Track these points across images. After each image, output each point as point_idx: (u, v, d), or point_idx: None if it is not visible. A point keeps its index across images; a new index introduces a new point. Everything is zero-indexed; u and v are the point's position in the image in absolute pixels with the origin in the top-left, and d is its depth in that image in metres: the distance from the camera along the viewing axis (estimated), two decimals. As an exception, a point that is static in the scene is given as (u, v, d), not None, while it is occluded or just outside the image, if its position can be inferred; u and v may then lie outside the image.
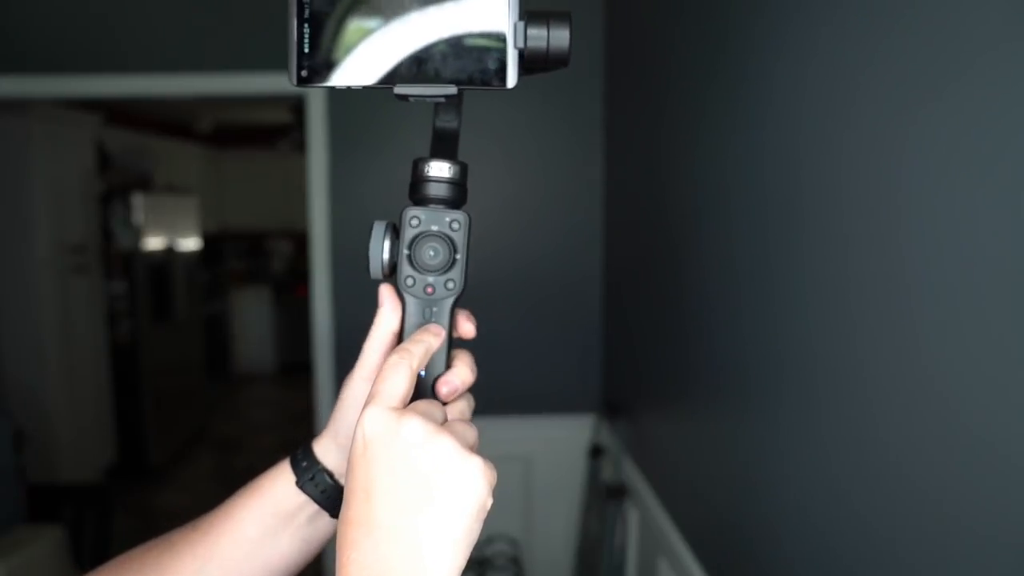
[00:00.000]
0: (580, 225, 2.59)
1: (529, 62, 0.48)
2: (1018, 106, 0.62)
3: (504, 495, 2.68)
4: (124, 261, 4.26)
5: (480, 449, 0.57)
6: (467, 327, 0.52)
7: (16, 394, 3.59)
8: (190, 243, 5.04)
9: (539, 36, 0.48)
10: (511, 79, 0.48)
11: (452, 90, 0.48)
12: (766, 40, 1.16)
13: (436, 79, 0.48)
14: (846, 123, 0.92)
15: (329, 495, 0.53)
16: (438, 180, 0.50)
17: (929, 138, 0.75)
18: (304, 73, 0.49)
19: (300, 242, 6.60)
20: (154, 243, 4.47)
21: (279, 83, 2.53)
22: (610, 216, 2.49)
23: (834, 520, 0.95)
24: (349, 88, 0.49)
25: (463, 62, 0.47)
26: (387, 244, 0.51)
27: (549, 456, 2.63)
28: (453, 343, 0.52)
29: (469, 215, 0.50)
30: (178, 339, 4.80)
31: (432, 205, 0.50)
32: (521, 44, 0.48)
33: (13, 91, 2.55)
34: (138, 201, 4.27)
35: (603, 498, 2.23)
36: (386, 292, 0.52)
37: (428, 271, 0.50)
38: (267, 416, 5.64)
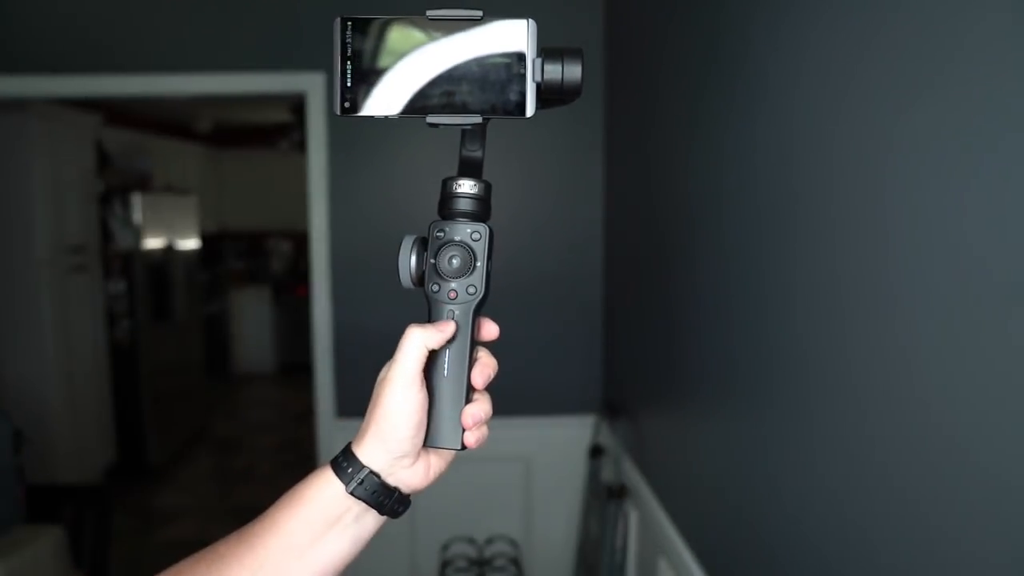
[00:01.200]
0: (580, 225, 2.59)
1: (546, 94, 0.54)
2: (1013, 103, 0.62)
3: (504, 495, 2.69)
4: (123, 261, 4.26)
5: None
6: (490, 327, 0.59)
7: (16, 394, 3.59)
8: (190, 243, 5.04)
9: (555, 71, 0.54)
10: (530, 109, 0.54)
11: (478, 119, 0.54)
12: (762, 41, 1.16)
13: (464, 110, 0.54)
14: (842, 123, 0.92)
15: (379, 495, 0.56)
16: (462, 196, 0.56)
17: (922, 139, 0.75)
18: (347, 104, 0.55)
19: (300, 242, 6.60)
20: (153, 243, 4.47)
21: (279, 83, 2.53)
22: (610, 217, 2.49)
23: (832, 520, 0.95)
24: (387, 118, 0.55)
25: (487, 95, 0.54)
26: (414, 255, 0.57)
27: (549, 456, 2.63)
28: (475, 345, 0.57)
29: (490, 227, 0.56)
30: (178, 339, 4.80)
31: (457, 218, 0.56)
32: (539, 78, 0.54)
33: (13, 91, 2.55)
34: (137, 201, 4.27)
35: (603, 498, 2.23)
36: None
37: (450, 277, 0.56)
38: (267, 416, 5.64)
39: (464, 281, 0.56)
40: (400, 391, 0.55)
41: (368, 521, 0.57)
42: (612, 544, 2.09)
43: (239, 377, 6.46)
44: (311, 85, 2.52)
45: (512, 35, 0.54)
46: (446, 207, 0.56)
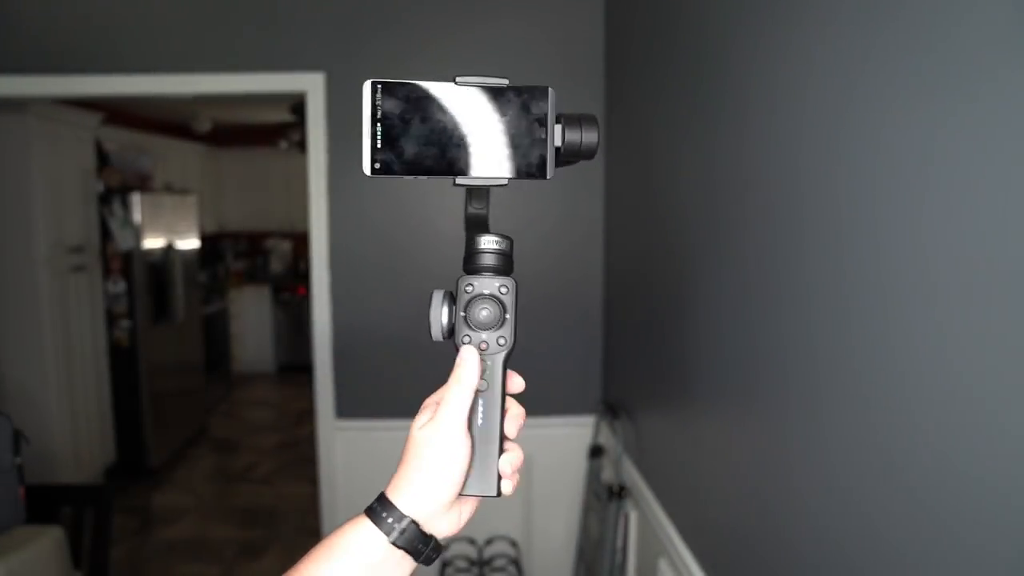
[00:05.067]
0: (581, 226, 2.59)
1: (564, 156, 0.57)
2: (1016, 103, 0.62)
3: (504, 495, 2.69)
4: (123, 261, 4.26)
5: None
6: (517, 381, 0.61)
7: (15, 394, 3.59)
8: (189, 243, 5.03)
9: (574, 136, 0.57)
10: (550, 172, 0.57)
11: (504, 181, 0.57)
12: (765, 41, 1.16)
13: (490, 172, 0.57)
14: (847, 125, 0.92)
15: (417, 543, 0.57)
16: (489, 252, 0.58)
17: (922, 140, 0.75)
18: (377, 166, 0.56)
19: (300, 242, 6.60)
20: (153, 243, 4.47)
21: (279, 83, 2.53)
22: (611, 217, 2.49)
23: (831, 519, 0.95)
24: (416, 178, 0.57)
25: (513, 159, 0.56)
26: (445, 309, 0.58)
27: (549, 456, 2.63)
28: (505, 395, 0.59)
29: (516, 281, 0.59)
30: (177, 339, 4.79)
31: (483, 273, 0.58)
32: (559, 143, 0.57)
33: (13, 91, 2.54)
34: (137, 201, 4.26)
35: (603, 498, 2.23)
36: (472, 355, 0.58)
37: (481, 328, 0.58)
38: (267, 416, 5.64)
39: (494, 333, 0.58)
40: (455, 439, 0.56)
41: (404, 569, 0.57)
42: (612, 544, 2.09)
43: (239, 377, 6.45)
44: (311, 85, 2.52)
45: (535, 101, 0.56)
46: (473, 262, 0.58)
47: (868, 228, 0.87)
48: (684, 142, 1.61)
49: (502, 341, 0.58)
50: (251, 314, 6.67)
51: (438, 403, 0.58)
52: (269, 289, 6.68)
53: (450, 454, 0.56)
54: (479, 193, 0.59)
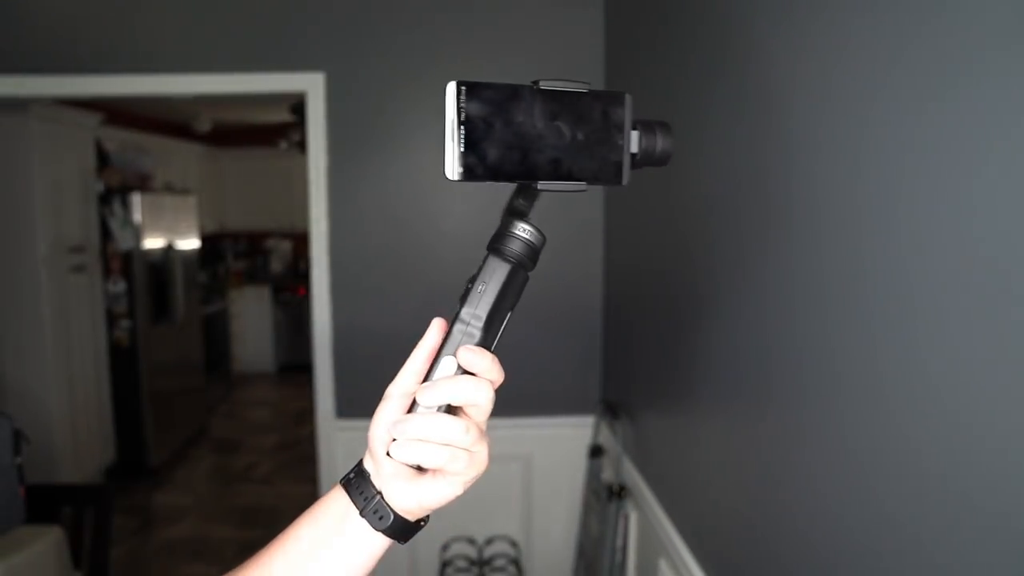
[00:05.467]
0: (581, 226, 2.59)
1: (639, 163, 0.58)
2: (1017, 102, 0.62)
3: (504, 495, 2.69)
4: (123, 261, 4.26)
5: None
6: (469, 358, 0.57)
7: (16, 394, 3.59)
8: (189, 243, 5.04)
9: (650, 143, 0.57)
10: (625, 178, 0.57)
11: (583, 187, 0.57)
12: (765, 42, 1.16)
13: (569, 177, 0.56)
14: (843, 125, 0.92)
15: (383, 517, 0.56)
16: (515, 236, 0.58)
17: (919, 140, 0.75)
18: (462, 170, 0.54)
19: (300, 242, 6.60)
20: (153, 243, 4.47)
21: (279, 83, 2.53)
22: (610, 217, 2.49)
23: (831, 519, 0.95)
24: (496, 182, 0.55)
25: (590, 163, 0.56)
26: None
27: (549, 456, 2.63)
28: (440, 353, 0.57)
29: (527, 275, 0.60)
30: (177, 339, 4.80)
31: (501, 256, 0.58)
32: (635, 149, 0.57)
33: (13, 91, 2.54)
34: (137, 201, 4.26)
35: (603, 498, 2.23)
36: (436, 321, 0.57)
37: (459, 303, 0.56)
38: (266, 416, 5.64)
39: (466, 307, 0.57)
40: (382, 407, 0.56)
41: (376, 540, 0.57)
42: (612, 544, 2.09)
43: (239, 377, 6.45)
44: (311, 85, 2.52)
45: (613, 107, 0.56)
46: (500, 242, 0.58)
47: (868, 230, 0.87)
48: (687, 140, 1.61)
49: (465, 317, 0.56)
50: (251, 314, 6.67)
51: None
52: (269, 289, 6.69)
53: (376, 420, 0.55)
54: (529, 192, 0.58)
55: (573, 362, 2.65)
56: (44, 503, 2.00)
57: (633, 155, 0.57)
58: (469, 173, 0.53)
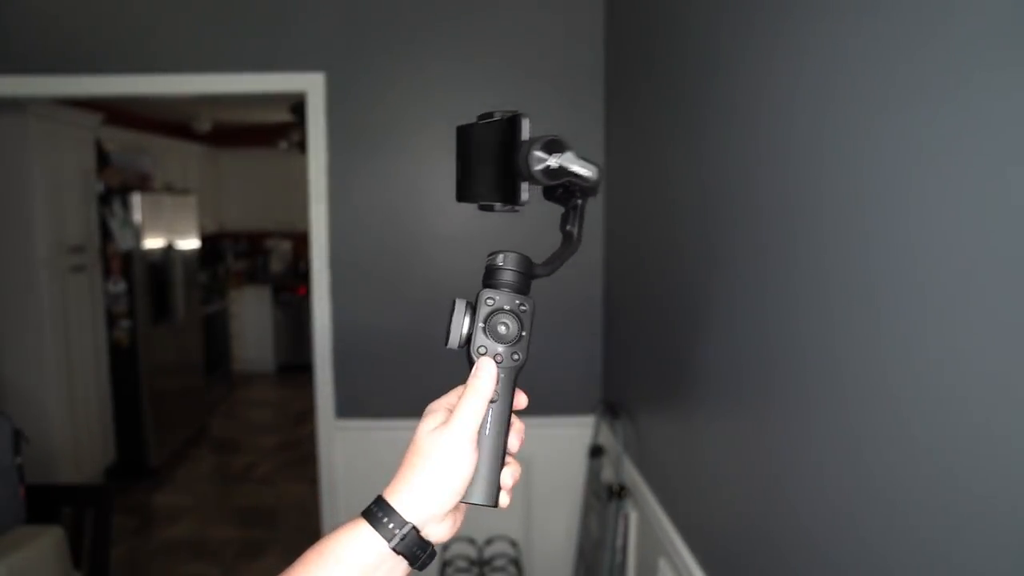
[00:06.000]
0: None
1: (550, 181, 0.59)
2: (1012, 102, 0.62)
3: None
4: (123, 261, 4.26)
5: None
6: (522, 399, 0.62)
7: (16, 394, 3.59)
8: (189, 243, 5.03)
9: (541, 159, 0.57)
10: (520, 196, 0.59)
11: (491, 207, 0.60)
12: (762, 42, 1.16)
13: (474, 199, 0.62)
14: (842, 126, 0.92)
15: (416, 549, 0.56)
16: (507, 268, 0.60)
17: (916, 141, 0.75)
18: (460, 192, 0.63)
19: (300, 242, 6.60)
20: (153, 243, 4.47)
21: (279, 83, 2.53)
22: (610, 216, 2.48)
23: (831, 519, 0.95)
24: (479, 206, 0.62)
25: (493, 185, 0.60)
26: (467, 319, 0.59)
27: (549, 456, 2.63)
28: (512, 410, 0.60)
29: (534, 301, 0.62)
30: (177, 339, 4.80)
31: (503, 289, 0.60)
32: (537, 167, 0.58)
33: (13, 91, 2.54)
34: (137, 201, 4.26)
35: (603, 498, 2.23)
36: (490, 367, 0.59)
37: (500, 342, 0.60)
38: (266, 416, 5.64)
39: (510, 348, 0.60)
40: (464, 447, 0.56)
41: (398, 574, 0.57)
42: (612, 544, 2.09)
43: (239, 377, 6.45)
44: (311, 85, 2.52)
45: (512, 129, 0.58)
46: (493, 277, 0.60)
47: (867, 230, 0.87)
48: (686, 139, 1.61)
49: (516, 356, 0.60)
50: (251, 314, 6.67)
51: (448, 409, 0.58)
52: (269, 289, 6.69)
53: (458, 462, 0.56)
54: (573, 215, 0.65)
55: (573, 362, 2.65)
56: (44, 503, 2.00)
57: (531, 175, 0.57)
58: (463, 196, 0.65)
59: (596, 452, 2.44)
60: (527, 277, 0.61)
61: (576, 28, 2.52)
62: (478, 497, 0.58)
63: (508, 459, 0.60)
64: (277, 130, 6.26)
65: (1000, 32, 0.65)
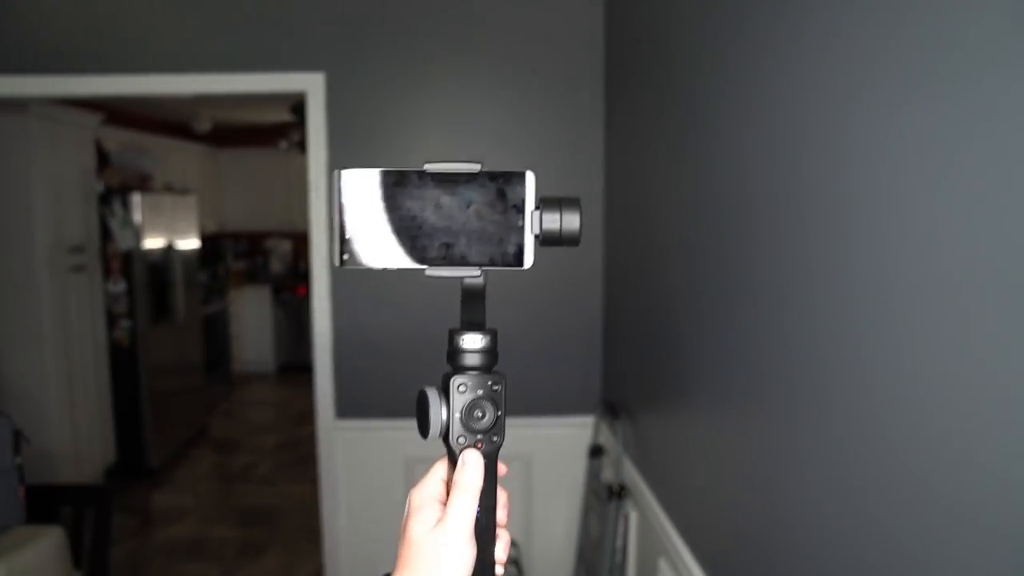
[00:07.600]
0: (582, 227, 2.58)
1: (544, 242, 0.56)
2: (1013, 102, 0.62)
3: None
4: (123, 261, 4.26)
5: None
6: (502, 468, 0.60)
7: (15, 394, 3.59)
8: (189, 243, 5.03)
9: (553, 221, 0.55)
10: (528, 261, 0.56)
11: (476, 272, 0.56)
12: (762, 44, 1.16)
13: (463, 262, 0.55)
14: (845, 126, 0.92)
15: None
16: (475, 351, 0.56)
17: (914, 141, 0.75)
18: (345, 256, 0.54)
19: (300, 242, 6.60)
20: (153, 243, 4.47)
21: (279, 83, 2.53)
22: (610, 218, 2.49)
23: (831, 519, 0.95)
24: (385, 269, 0.55)
25: (486, 247, 0.55)
26: (443, 410, 0.57)
27: (549, 456, 2.63)
28: (497, 482, 0.59)
29: (504, 375, 0.58)
30: (177, 339, 4.80)
31: (471, 372, 0.57)
32: (537, 230, 0.55)
33: (13, 91, 2.54)
34: (137, 201, 4.26)
35: (603, 498, 2.23)
36: (477, 460, 0.57)
37: (479, 431, 0.57)
38: (266, 416, 5.64)
39: (490, 434, 0.57)
40: (466, 544, 0.56)
41: None
42: (612, 544, 2.09)
43: (239, 377, 6.45)
44: (311, 85, 2.52)
45: (511, 187, 0.54)
46: (459, 360, 0.57)
47: (874, 228, 0.87)
48: (685, 142, 1.61)
49: (496, 439, 0.57)
50: (251, 314, 6.67)
51: (438, 501, 0.58)
52: (269, 289, 6.69)
53: (460, 561, 0.56)
54: (474, 298, 0.57)
55: (573, 362, 2.65)
56: (44, 503, 2.00)
57: (536, 236, 0.55)
58: (352, 260, 0.54)
59: (596, 452, 2.44)
60: (493, 353, 0.57)
61: (576, 28, 2.51)
62: None
63: (498, 531, 0.59)
64: (277, 130, 6.26)
65: (1001, 32, 0.65)
